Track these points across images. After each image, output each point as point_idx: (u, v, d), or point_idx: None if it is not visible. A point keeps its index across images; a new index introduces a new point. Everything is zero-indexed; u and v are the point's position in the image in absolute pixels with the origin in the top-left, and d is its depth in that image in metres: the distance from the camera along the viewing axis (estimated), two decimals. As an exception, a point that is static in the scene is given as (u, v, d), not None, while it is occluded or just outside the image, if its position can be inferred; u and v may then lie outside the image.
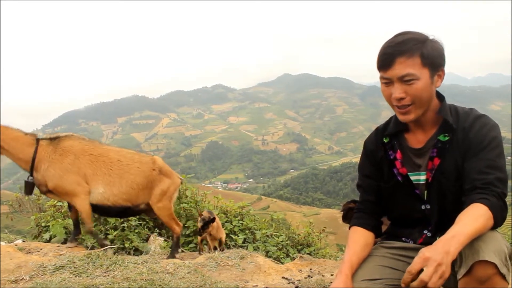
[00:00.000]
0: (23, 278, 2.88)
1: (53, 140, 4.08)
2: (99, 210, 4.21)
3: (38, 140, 4.02)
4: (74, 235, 4.30)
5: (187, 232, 5.72)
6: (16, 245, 3.98)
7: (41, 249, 3.95)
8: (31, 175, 4.01)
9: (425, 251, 1.66)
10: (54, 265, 3.08)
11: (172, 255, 4.24)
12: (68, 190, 3.97)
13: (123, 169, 4.18)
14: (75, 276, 2.95)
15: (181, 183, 4.73)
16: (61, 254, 3.56)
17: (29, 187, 4.04)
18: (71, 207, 4.26)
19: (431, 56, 1.91)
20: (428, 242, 2.01)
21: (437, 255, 1.63)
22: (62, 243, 4.63)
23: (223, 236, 4.93)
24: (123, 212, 4.28)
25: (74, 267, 3.07)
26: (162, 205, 4.32)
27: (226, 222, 6.09)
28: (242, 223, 6.19)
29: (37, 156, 3.96)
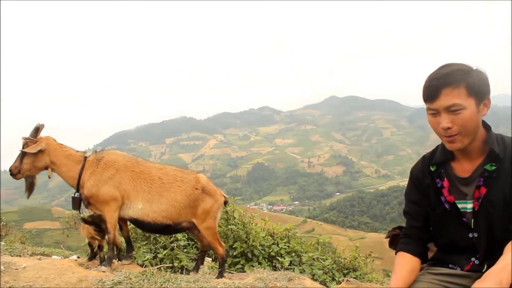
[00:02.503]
0: (84, 291, 3.06)
1: (99, 155, 4.27)
2: (140, 225, 4.31)
3: (85, 158, 4.22)
4: (128, 252, 4.45)
5: (234, 253, 5.81)
6: (75, 260, 4.19)
7: (98, 265, 4.13)
8: (77, 191, 4.19)
9: (479, 286, 1.73)
10: (112, 280, 3.24)
11: (220, 275, 4.28)
12: (102, 200, 4.09)
13: (164, 187, 4.23)
14: (131, 292, 3.11)
15: (226, 202, 4.65)
16: (118, 271, 3.74)
17: (76, 203, 4.22)
18: (121, 226, 4.43)
19: (476, 85, 1.96)
20: (476, 269, 2.06)
21: None
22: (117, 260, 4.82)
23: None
24: (163, 229, 4.32)
25: (131, 283, 3.22)
26: (207, 225, 4.30)
27: (272, 244, 6.15)
28: (288, 246, 6.22)
29: (83, 173, 4.15)
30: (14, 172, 4.14)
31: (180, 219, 4.27)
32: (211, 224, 4.34)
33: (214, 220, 4.40)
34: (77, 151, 4.33)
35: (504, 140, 2.09)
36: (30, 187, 4.31)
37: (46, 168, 4.20)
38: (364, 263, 6.48)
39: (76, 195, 4.21)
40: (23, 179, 4.23)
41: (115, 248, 4.28)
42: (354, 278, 5.66)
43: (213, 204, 4.36)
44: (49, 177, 4.27)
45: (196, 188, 4.30)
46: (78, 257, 4.85)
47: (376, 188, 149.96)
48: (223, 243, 4.53)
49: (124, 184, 4.16)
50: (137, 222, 4.25)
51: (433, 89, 2.00)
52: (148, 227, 4.32)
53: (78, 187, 4.19)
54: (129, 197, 4.16)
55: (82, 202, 4.25)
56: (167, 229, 4.35)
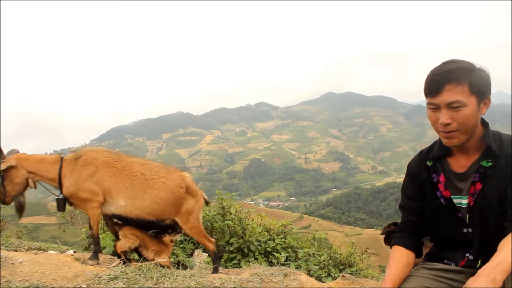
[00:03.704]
0: (80, 286, 3.07)
1: (77, 153, 4.21)
2: (123, 220, 4.26)
3: (62, 158, 4.16)
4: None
5: (231, 248, 5.82)
6: (72, 255, 4.19)
7: (88, 259, 4.14)
8: (61, 192, 4.13)
9: (473, 284, 1.75)
10: (108, 275, 3.26)
11: (215, 271, 4.28)
12: (82, 198, 4.05)
13: (147, 184, 4.17)
14: (128, 287, 3.11)
15: (207, 202, 4.65)
16: (114, 266, 3.75)
17: (60, 204, 4.16)
18: (108, 222, 4.43)
19: (478, 84, 1.97)
20: (470, 265, 2.08)
21: (484, 286, 1.71)
22: (111, 255, 4.83)
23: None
24: (146, 225, 4.27)
25: (127, 278, 3.24)
26: (191, 225, 4.29)
27: (269, 240, 6.16)
28: (284, 241, 6.24)
29: (62, 172, 4.09)
30: (2, 198, 4.12)
31: (164, 216, 4.24)
32: (194, 224, 4.33)
33: (197, 220, 4.39)
34: (51, 154, 4.30)
35: (501, 137, 2.11)
36: (20, 208, 4.27)
37: (27, 181, 4.15)
38: (360, 259, 6.50)
39: (60, 196, 4.15)
40: None
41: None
42: (350, 273, 5.69)
43: (195, 205, 4.34)
44: (31, 187, 4.21)
45: (181, 187, 4.27)
46: (75, 252, 4.85)
47: (372, 185, 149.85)
48: (211, 238, 4.52)
49: (104, 181, 4.10)
50: (121, 218, 4.22)
51: (436, 84, 2.00)
52: (132, 223, 4.27)
53: (61, 188, 4.14)
54: (110, 194, 4.10)
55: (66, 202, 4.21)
56: (150, 225, 4.31)
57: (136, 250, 4.31)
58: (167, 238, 4.36)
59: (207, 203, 4.64)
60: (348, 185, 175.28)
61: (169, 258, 4.43)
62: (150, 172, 4.25)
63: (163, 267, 3.92)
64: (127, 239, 4.14)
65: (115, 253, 4.71)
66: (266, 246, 6.01)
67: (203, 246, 5.73)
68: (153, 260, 4.18)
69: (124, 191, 4.11)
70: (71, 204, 4.21)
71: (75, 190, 4.06)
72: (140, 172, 4.21)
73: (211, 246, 4.40)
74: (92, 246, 4.37)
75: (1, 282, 3.02)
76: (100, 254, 4.21)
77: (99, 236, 5.35)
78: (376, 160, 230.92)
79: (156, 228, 4.57)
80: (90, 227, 4.14)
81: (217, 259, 4.43)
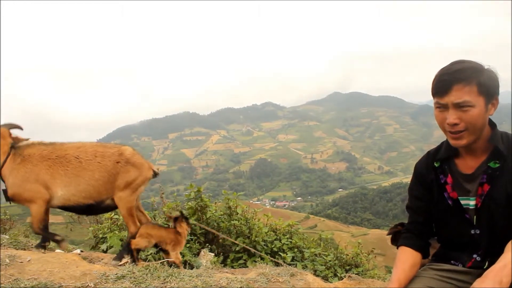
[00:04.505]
0: (88, 285, 3.08)
1: (19, 149, 4.05)
2: (66, 210, 4.19)
3: (12, 147, 4.04)
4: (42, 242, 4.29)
5: (237, 248, 5.83)
6: (79, 254, 4.22)
7: (102, 259, 4.15)
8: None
9: (480, 286, 1.75)
10: (116, 274, 3.27)
11: (119, 257, 4.02)
12: (26, 198, 3.95)
13: (81, 166, 4.01)
14: (135, 286, 3.12)
15: (156, 174, 4.36)
16: (122, 265, 3.77)
17: (6, 195, 4.04)
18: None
19: (487, 85, 1.96)
20: (477, 266, 2.07)
21: (491, 287, 1.71)
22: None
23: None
24: (86, 210, 4.17)
25: (134, 277, 3.25)
26: (122, 195, 4.06)
27: (275, 240, 6.17)
28: (291, 241, 6.24)
29: (5, 165, 3.97)
30: None
31: (102, 197, 4.09)
32: (127, 195, 4.09)
33: (133, 192, 4.15)
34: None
35: (509, 137, 2.10)
36: None
37: None
38: (366, 260, 6.50)
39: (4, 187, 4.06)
40: None
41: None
42: (356, 274, 5.68)
43: (138, 177, 4.14)
44: None
45: (118, 162, 4.08)
46: (82, 251, 4.88)
47: (379, 185, 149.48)
48: (137, 223, 4.23)
49: (41, 176, 3.98)
50: (63, 208, 4.13)
51: (444, 83, 1.99)
52: (74, 210, 4.23)
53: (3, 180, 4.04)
54: (49, 187, 3.99)
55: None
56: (90, 209, 4.19)
57: (158, 247, 4.25)
58: (178, 225, 4.22)
59: (155, 174, 4.37)
60: (354, 185, 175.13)
61: (181, 253, 4.37)
62: (86, 154, 4.08)
63: (171, 265, 3.93)
64: (143, 238, 4.05)
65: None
66: (273, 246, 6.01)
67: (209, 246, 5.75)
68: (174, 251, 4.13)
69: (59, 180, 3.99)
70: (12, 200, 4.06)
71: (18, 191, 3.95)
72: (74, 157, 4.05)
73: (133, 229, 4.13)
74: (47, 240, 4.18)
75: (10, 280, 3.05)
76: (47, 243, 4.13)
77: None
78: (383, 160, 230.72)
79: (99, 212, 4.46)
80: (31, 225, 4.05)
81: (125, 249, 4.09)
